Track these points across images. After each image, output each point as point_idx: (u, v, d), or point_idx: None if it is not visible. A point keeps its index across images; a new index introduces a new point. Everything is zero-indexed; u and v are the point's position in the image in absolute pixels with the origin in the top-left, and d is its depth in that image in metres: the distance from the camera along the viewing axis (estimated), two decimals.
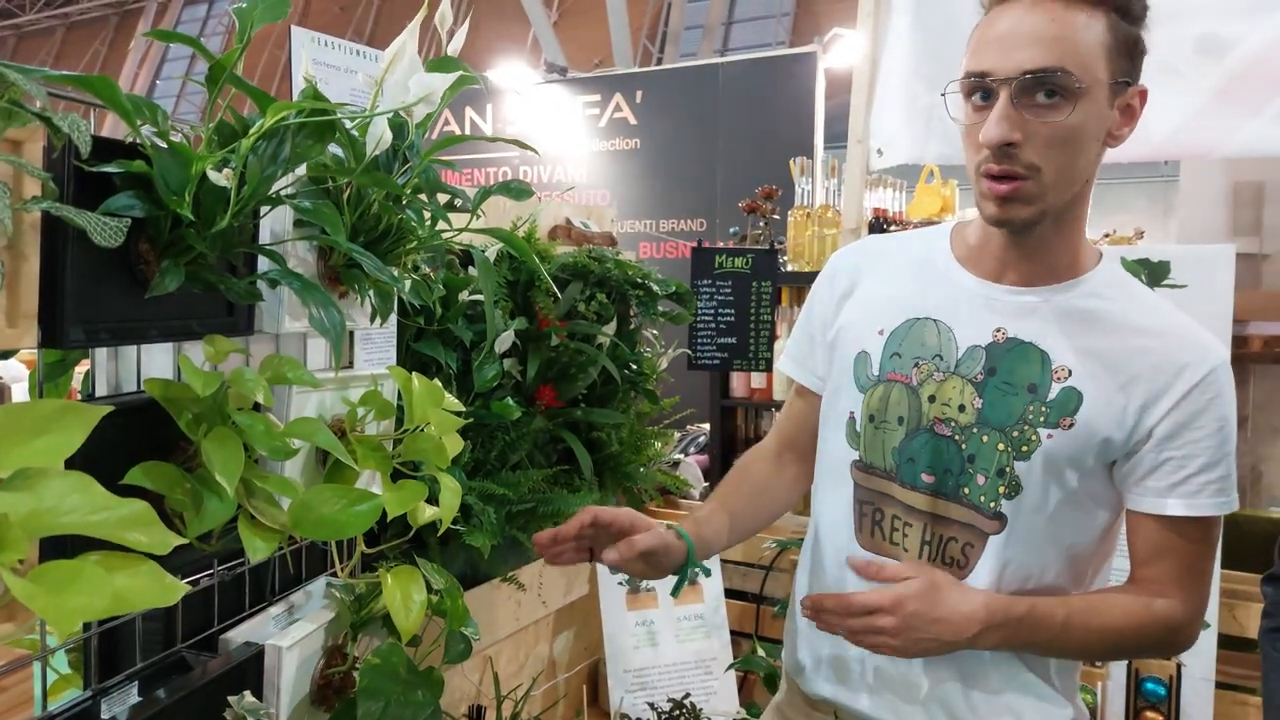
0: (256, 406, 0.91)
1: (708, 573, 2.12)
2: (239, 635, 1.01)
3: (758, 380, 2.88)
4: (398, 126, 0.96)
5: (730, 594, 2.18)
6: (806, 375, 1.19)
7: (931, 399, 1.02)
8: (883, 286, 1.10)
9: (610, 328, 1.93)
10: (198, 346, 0.90)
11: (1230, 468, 0.96)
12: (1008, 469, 0.97)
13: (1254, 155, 2.07)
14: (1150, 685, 1.70)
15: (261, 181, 0.81)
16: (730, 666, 1.99)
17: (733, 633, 2.12)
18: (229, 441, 0.81)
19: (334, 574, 1.14)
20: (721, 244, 3.10)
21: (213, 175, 0.77)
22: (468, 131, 5.47)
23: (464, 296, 1.48)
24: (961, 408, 1.00)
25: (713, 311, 2.70)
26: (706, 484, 3.01)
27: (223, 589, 1.04)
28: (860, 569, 1.03)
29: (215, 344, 0.88)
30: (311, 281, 0.90)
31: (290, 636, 1.00)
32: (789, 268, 2.82)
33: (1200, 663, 1.82)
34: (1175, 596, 0.96)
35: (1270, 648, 1.00)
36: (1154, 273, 1.90)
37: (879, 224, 2.72)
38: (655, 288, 2.02)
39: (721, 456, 3.09)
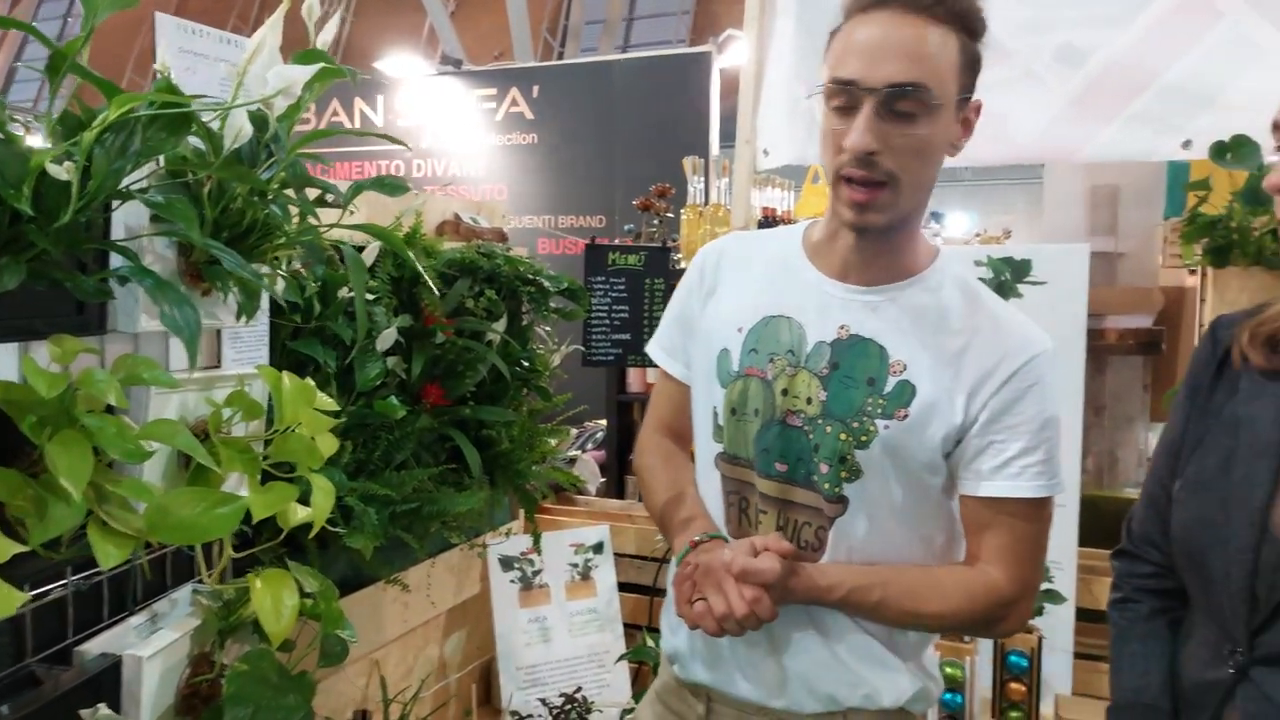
0: (112, 409, 0.88)
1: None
2: (95, 647, 0.96)
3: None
4: (259, 120, 0.93)
5: (624, 587, 2.20)
6: (675, 366, 1.23)
7: (784, 392, 1.06)
8: (742, 285, 1.14)
9: (501, 324, 1.92)
10: (45, 346, 0.86)
11: (1051, 452, 1.03)
12: (849, 456, 1.02)
13: (1108, 159, 2.21)
14: (1014, 658, 1.81)
15: (109, 175, 0.78)
16: (621, 658, 2.02)
17: (626, 625, 2.15)
18: (76, 445, 0.78)
19: (201, 580, 1.11)
20: (618, 240, 3.12)
21: (53, 169, 0.74)
22: (358, 124, 5.33)
23: (344, 294, 1.45)
24: (809, 400, 1.05)
25: (607, 308, 2.72)
26: (603, 479, 3.04)
27: (82, 599, 0.99)
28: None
29: (62, 344, 0.85)
30: (165, 279, 0.87)
31: (151, 646, 0.97)
32: (682, 265, 2.87)
33: (1060, 634, 1.95)
34: (1000, 574, 1.03)
35: (1118, 616, 1.08)
36: (1017, 270, 2.01)
37: (768, 223, 2.79)
38: (547, 284, 2.02)
39: (618, 452, 3.13)
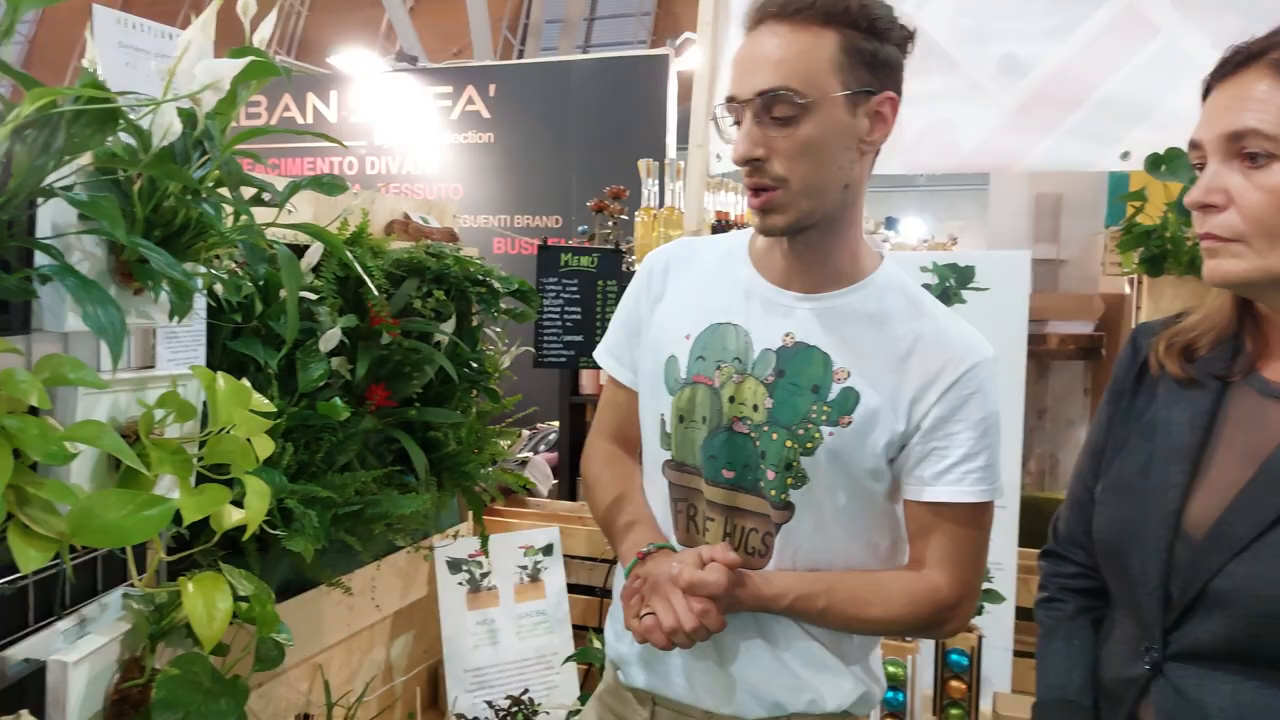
0: (36, 410, 0.86)
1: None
2: (19, 652, 0.94)
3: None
4: (189, 117, 0.92)
5: (574, 589, 2.20)
6: (623, 372, 1.23)
7: (731, 399, 1.07)
8: (690, 291, 1.15)
9: (449, 325, 1.91)
10: None
11: (992, 459, 1.05)
12: (794, 463, 1.04)
13: (1050, 169, 2.26)
14: (955, 656, 1.84)
15: (30, 173, 0.76)
16: (568, 659, 2.02)
17: (576, 627, 2.14)
18: None
19: (133, 584, 1.09)
20: (573, 241, 3.12)
21: None
22: (311, 120, 5.25)
23: (285, 293, 1.43)
24: (755, 407, 1.06)
25: (559, 309, 2.72)
26: (555, 481, 3.03)
27: (6, 604, 0.97)
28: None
29: None
30: (90, 278, 0.85)
31: (78, 650, 0.95)
32: (635, 267, 2.87)
33: (999, 633, 1.99)
34: (943, 578, 1.05)
35: (1044, 615, 1.10)
36: (961, 276, 2.05)
37: (721, 227, 2.81)
38: (497, 285, 2.01)
39: (571, 454, 3.12)
